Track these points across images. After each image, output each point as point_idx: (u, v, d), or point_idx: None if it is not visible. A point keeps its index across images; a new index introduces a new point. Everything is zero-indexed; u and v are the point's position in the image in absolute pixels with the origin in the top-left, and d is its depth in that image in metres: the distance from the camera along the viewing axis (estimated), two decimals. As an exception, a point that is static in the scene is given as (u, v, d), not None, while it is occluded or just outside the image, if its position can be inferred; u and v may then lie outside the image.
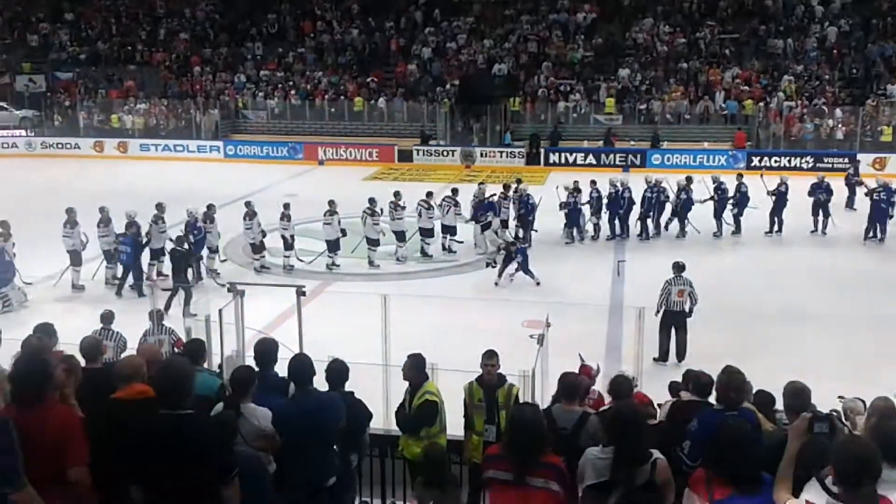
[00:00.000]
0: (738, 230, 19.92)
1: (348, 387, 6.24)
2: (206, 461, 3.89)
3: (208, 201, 17.31)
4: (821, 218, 19.90)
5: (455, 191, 18.86)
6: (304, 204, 18.91)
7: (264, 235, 17.00)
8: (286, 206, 17.11)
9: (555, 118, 33.65)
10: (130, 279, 15.45)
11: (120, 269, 15.65)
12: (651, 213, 19.69)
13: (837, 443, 3.55)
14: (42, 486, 3.44)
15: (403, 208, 18.03)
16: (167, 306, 13.71)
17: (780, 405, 5.96)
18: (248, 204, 17.16)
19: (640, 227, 19.64)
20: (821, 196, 19.88)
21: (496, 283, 15.88)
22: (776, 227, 19.88)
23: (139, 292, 15.21)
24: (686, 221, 19.81)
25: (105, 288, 15.72)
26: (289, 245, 17.04)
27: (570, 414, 5.36)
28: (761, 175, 20.85)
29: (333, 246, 17.00)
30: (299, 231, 17.57)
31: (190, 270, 15.01)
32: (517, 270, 15.92)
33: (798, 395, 4.80)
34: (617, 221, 19.55)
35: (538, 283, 15.71)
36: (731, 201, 19.90)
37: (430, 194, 18.50)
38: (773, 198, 19.75)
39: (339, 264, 17.16)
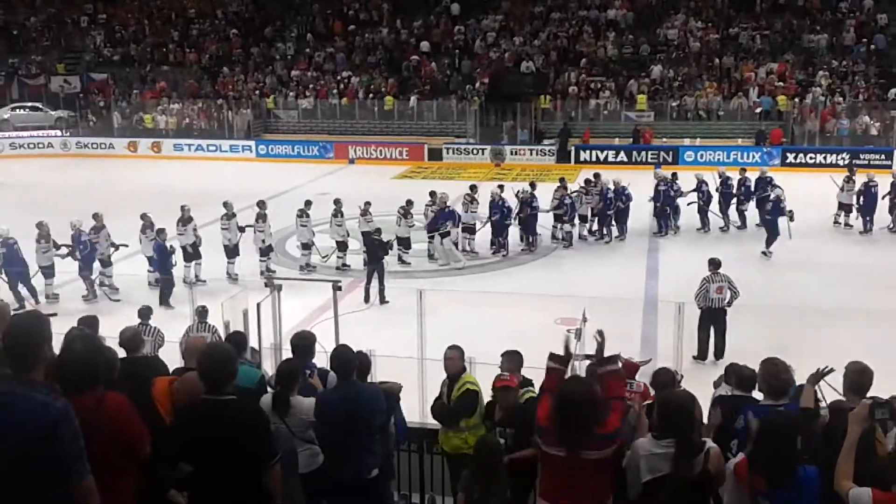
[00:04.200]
0: (743, 225, 19.95)
1: (383, 379, 6.25)
2: (247, 446, 3.89)
3: (227, 200, 16.86)
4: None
5: (433, 193, 18.21)
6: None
7: (347, 234, 16.94)
8: (367, 203, 17.09)
9: (564, 117, 33.52)
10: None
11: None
12: (667, 209, 19.55)
13: None
14: (100, 476, 3.45)
15: (478, 203, 18.11)
16: (366, 294, 14.25)
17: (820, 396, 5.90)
18: (336, 202, 17.05)
19: (656, 223, 19.64)
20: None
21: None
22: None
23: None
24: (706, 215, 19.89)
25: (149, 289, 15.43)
26: None
27: None
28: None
29: (405, 243, 17.17)
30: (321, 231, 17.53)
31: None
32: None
33: (862, 374, 4.74)
34: (615, 223, 19.15)
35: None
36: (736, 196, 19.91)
37: (501, 187, 18.65)
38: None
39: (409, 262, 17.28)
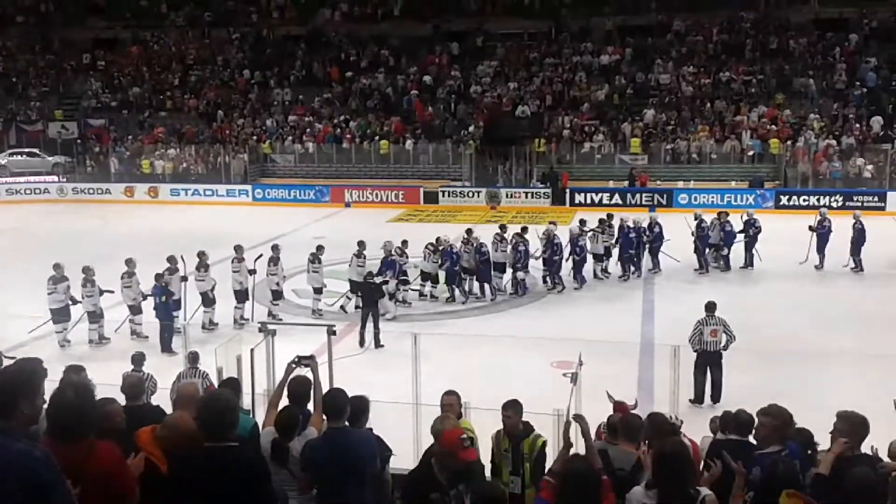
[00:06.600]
0: (726, 267, 20.01)
1: (378, 425, 6.17)
2: (249, 495, 3.83)
3: (235, 244, 16.71)
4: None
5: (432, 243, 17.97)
6: (332, 246, 18.76)
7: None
8: (404, 242, 17.33)
9: (553, 160, 33.80)
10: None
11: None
12: (637, 251, 19.62)
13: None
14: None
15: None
16: (361, 338, 14.24)
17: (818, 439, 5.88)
18: (360, 244, 16.88)
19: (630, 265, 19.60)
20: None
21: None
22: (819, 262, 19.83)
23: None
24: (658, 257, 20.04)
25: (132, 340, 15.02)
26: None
27: (628, 456, 5.25)
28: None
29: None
30: (327, 273, 17.40)
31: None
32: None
33: (857, 426, 4.71)
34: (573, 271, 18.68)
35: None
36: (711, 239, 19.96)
37: (503, 227, 18.85)
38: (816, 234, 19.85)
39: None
